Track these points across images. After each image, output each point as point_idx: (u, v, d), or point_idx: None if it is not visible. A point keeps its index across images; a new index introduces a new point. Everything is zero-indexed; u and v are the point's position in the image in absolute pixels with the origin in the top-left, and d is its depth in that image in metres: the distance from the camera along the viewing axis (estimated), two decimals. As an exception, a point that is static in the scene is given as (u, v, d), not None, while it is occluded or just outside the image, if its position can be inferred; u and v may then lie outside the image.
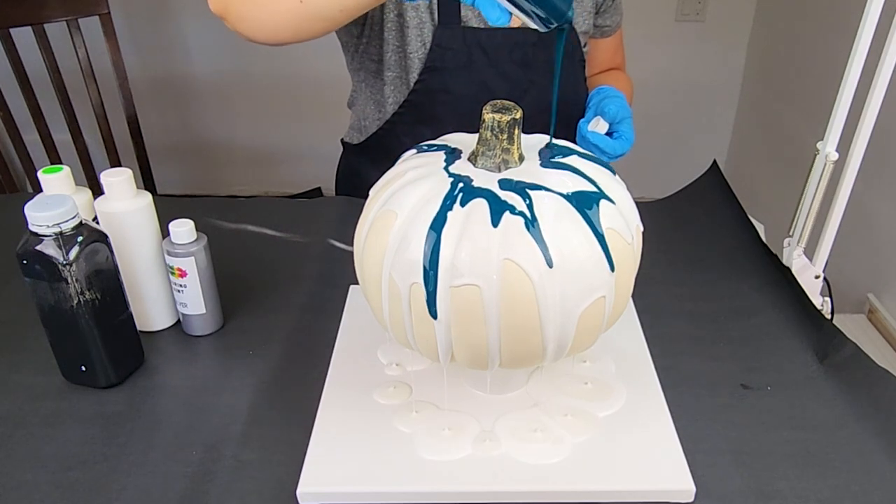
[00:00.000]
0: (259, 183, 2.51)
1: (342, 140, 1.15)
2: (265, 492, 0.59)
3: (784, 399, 0.68)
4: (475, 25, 0.94)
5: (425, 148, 0.61)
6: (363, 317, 0.76)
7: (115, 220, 0.70)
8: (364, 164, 1.11)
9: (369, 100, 1.04)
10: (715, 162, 1.09)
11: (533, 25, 0.58)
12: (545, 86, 0.99)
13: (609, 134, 0.93)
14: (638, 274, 0.60)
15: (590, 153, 0.61)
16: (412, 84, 0.97)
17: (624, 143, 0.90)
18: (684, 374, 0.71)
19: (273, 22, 0.74)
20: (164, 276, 0.74)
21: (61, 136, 1.56)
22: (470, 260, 0.51)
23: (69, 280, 0.62)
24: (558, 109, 1.01)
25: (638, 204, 0.60)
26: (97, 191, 0.72)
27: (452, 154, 0.59)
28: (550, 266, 0.51)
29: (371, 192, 0.60)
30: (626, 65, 1.18)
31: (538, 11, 0.56)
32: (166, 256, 0.72)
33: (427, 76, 0.96)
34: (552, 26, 0.58)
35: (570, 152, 0.59)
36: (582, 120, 0.93)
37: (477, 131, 0.58)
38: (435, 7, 0.93)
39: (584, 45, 1.04)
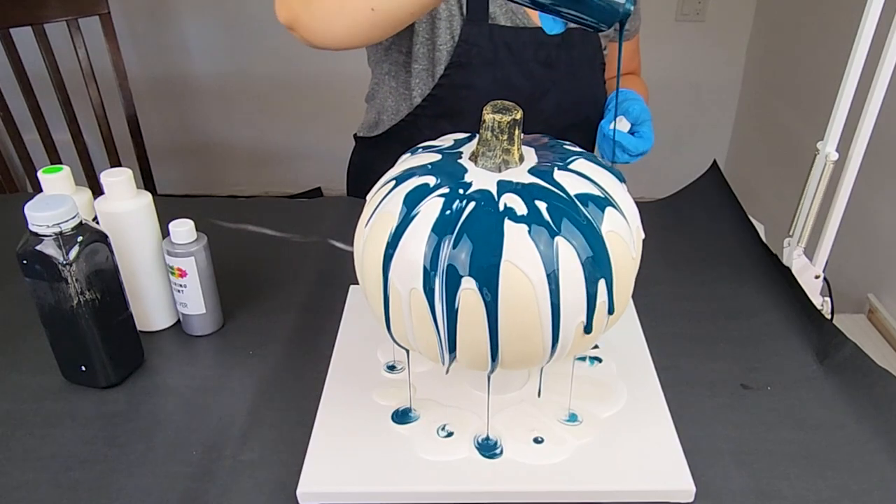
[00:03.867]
0: (259, 183, 2.51)
1: (355, 135, 1.15)
2: (265, 492, 0.59)
3: (784, 399, 0.68)
4: (502, 23, 0.95)
5: (421, 150, 0.61)
6: (363, 317, 0.76)
7: (115, 220, 0.70)
8: (379, 157, 1.11)
9: (391, 93, 1.05)
10: (715, 162, 1.09)
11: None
12: (567, 86, 1.00)
13: (630, 134, 0.95)
14: (638, 274, 0.60)
15: (589, 153, 0.61)
16: (437, 78, 0.98)
17: (645, 141, 0.95)
18: (684, 374, 0.71)
19: (346, 30, 0.78)
20: (164, 276, 0.75)
21: (61, 136, 1.56)
22: (470, 262, 0.51)
23: (69, 280, 0.62)
24: (578, 111, 1.03)
25: (638, 204, 0.60)
26: (97, 191, 0.72)
27: (452, 154, 0.59)
28: (550, 268, 0.51)
29: (371, 193, 0.60)
30: (641, 70, 1.19)
31: (585, 20, 0.58)
32: (166, 256, 0.72)
33: (452, 71, 0.97)
34: (606, 28, 0.59)
35: (570, 154, 0.59)
36: (603, 121, 0.95)
37: None
38: (464, 1, 0.94)
39: (605, 49, 1.05)
